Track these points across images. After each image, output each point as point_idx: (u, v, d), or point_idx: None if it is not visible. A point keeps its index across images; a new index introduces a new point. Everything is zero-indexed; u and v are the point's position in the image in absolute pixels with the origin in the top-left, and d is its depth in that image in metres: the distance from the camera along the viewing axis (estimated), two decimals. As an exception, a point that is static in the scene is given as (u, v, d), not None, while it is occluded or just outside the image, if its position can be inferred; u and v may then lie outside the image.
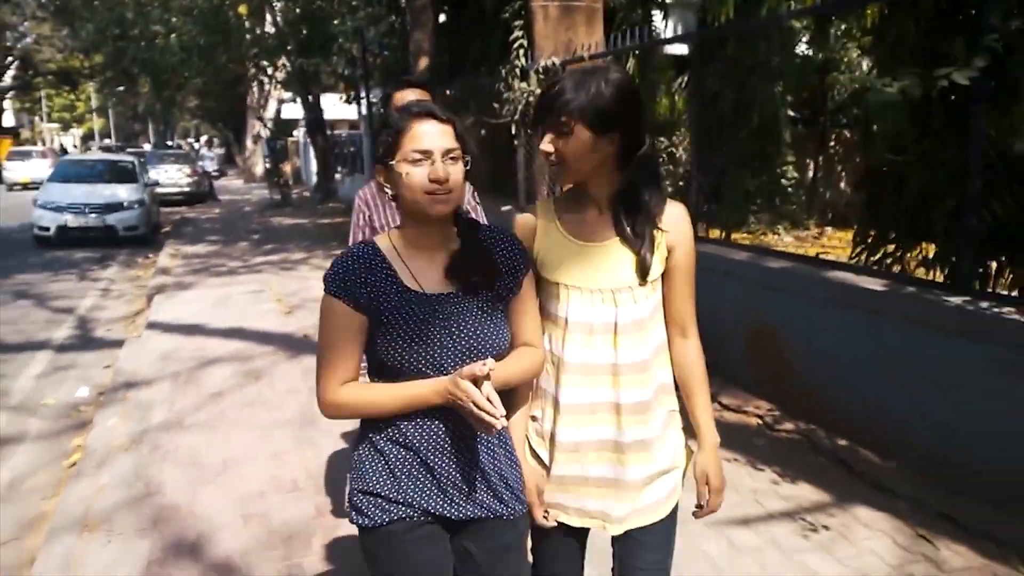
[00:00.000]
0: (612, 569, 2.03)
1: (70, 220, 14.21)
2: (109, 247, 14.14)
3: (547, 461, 1.95)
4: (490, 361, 1.64)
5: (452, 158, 1.73)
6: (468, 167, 1.79)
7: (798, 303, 4.72)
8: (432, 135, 1.72)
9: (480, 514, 1.82)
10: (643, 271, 1.85)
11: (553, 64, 7.49)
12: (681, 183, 8.08)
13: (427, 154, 1.71)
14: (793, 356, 4.78)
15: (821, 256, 5.96)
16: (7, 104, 48.64)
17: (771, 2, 5.71)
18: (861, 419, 4.32)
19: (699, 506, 2.00)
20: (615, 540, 1.98)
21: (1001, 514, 3.53)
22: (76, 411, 5.63)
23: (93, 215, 14.36)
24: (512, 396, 1.91)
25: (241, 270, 11.31)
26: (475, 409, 1.61)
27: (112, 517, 3.82)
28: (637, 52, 8.37)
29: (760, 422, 4.85)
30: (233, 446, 4.68)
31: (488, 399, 1.61)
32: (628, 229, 1.85)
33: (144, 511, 3.88)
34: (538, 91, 7.69)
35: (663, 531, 1.97)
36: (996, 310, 3.62)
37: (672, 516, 1.98)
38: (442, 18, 12.85)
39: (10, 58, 41.41)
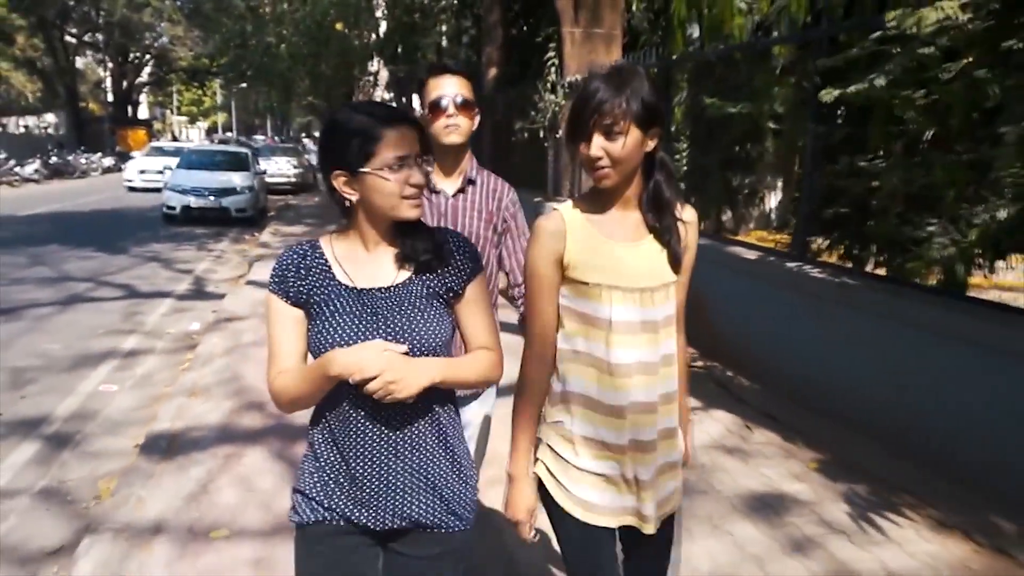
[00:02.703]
0: (621, 562, 2.03)
1: (192, 201, 16.62)
2: (223, 225, 16.51)
3: (583, 465, 1.91)
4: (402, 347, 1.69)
5: (425, 160, 1.77)
6: (431, 169, 1.87)
7: (713, 271, 6.21)
8: (411, 140, 1.73)
9: (405, 525, 1.81)
10: (675, 264, 1.89)
11: (576, 80, 9.07)
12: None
13: (404, 159, 1.71)
14: (710, 312, 6.27)
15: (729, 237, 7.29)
16: (143, 98, 53.18)
17: (729, 26, 6.99)
18: (743, 354, 5.81)
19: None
20: (627, 539, 1.98)
21: (805, 412, 5.00)
22: (189, 338, 7.59)
23: (211, 197, 16.71)
24: (519, 417, 1.94)
25: (328, 246, 13.37)
26: (361, 372, 1.61)
27: (210, 389, 5.70)
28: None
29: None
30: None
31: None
32: (659, 225, 1.88)
33: (230, 387, 5.74)
34: (563, 102, 9.30)
35: (674, 523, 2.01)
36: (808, 270, 5.09)
37: (678, 513, 2.03)
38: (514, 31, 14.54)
39: (148, 56, 45.42)
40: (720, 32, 6.82)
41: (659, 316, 1.89)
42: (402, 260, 1.82)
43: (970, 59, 3.68)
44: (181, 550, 3.48)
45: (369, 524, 1.80)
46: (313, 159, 34.91)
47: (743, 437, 4.83)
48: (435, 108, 2.47)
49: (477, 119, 2.56)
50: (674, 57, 7.31)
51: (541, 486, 1.97)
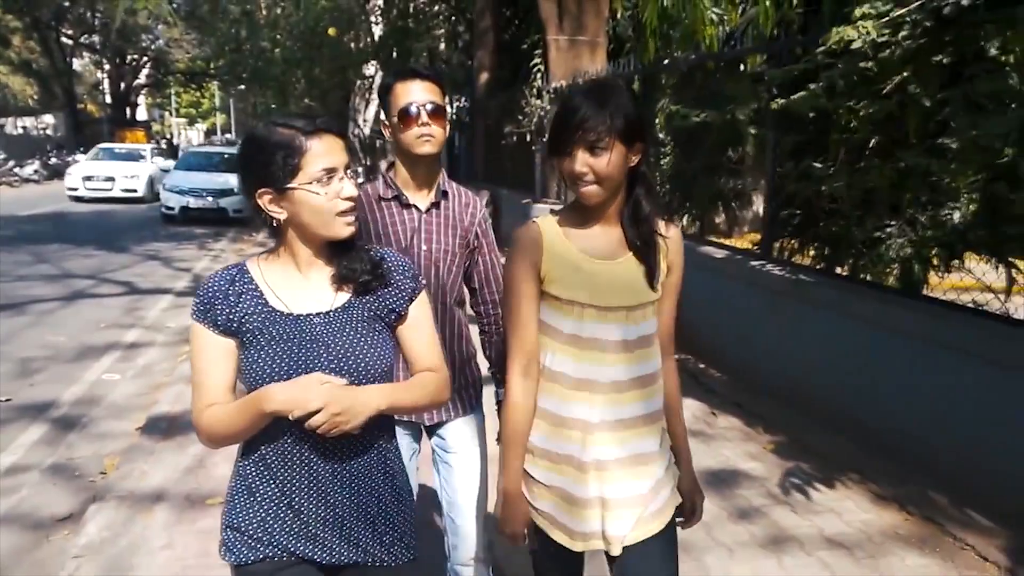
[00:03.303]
0: None
1: (191, 202, 16.98)
2: (221, 225, 16.83)
3: (549, 481, 1.88)
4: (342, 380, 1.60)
5: (354, 172, 1.71)
6: (360, 181, 1.78)
7: (687, 270, 6.54)
8: (338, 151, 1.66)
9: (354, 558, 1.73)
10: (652, 282, 1.86)
11: (562, 86, 9.42)
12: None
13: (332, 171, 1.63)
14: (683, 308, 6.60)
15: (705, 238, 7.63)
16: (141, 100, 53.48)
17: (701, 36, 7.30)
18: (713, 347, 6.15)
19: (682, 517, 2.03)
20: (613, 557, 1.89)
21: (768, 400, 5.35)
22: (187, 332, 7.91)
23: (209, 198, 17.06)
24: (507, 428, 1.89)
25: (323, 246, 13.77)
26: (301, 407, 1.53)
27: (207, 377, 6.02)
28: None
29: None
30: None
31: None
32: (638, 242, 1.85)
33: (226, 376, 6.07)
34: (548, 107, 9.65)
35: (664, 542, 1.91)
36: (769, 268, 5.43)
37: (671, 528, 1.94)
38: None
39: (145, 58, 45.72)
40: (692, 41, 7.16)
41: (634, 336, 1.86)
42: (339, 282, 1.73)
43: (905, 74, 4.02)
44: (180, 515, 3.81)
45: (316, 558, 1.71)
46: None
47: (708, 423, 5.16)
48: (405, 116, 2.28)
49: (448, 127, 2.39)
50: (666, 63, 7.62)
51: None
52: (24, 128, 45.38)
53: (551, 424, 1.88)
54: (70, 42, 41.15)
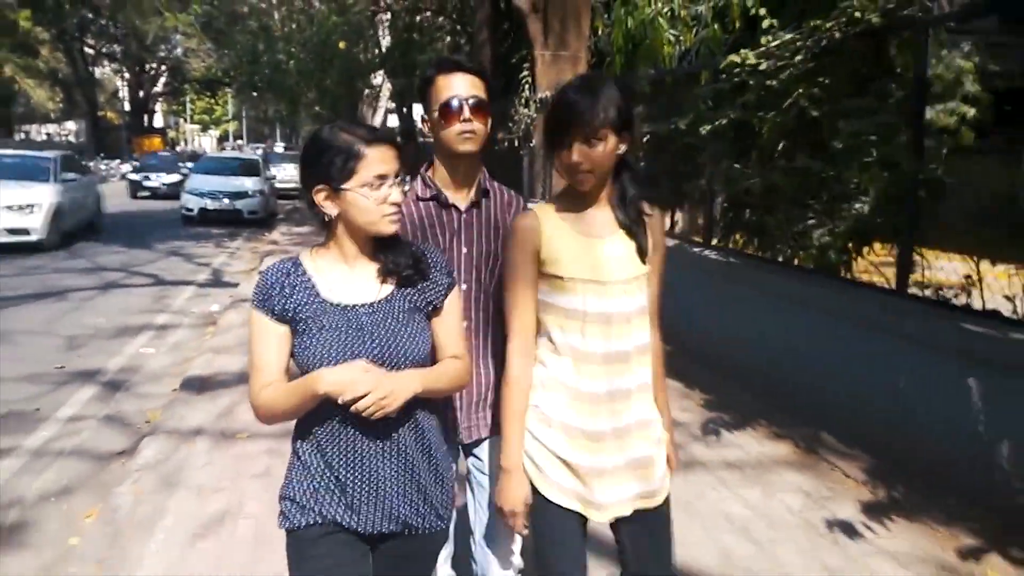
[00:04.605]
0: (621, 559, 2.07)
1: (209, 204, 18.11)
2: (236, 226, 17.96)
3: (556, 448, 1.97)
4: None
5: (403, 180, 1.82)
6: (407, 188, 1.90)
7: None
8: (391, 160, 1.79)
9: (392, 528, 1.87)
10: (642, 255, 1.99)
11: (546, 96, 10.35)
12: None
13: (384, 178, 1.77)
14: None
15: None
16: (158, 107, 54.73)
17: (660, 55, 8.25)
18: (683, 333, 7.07)
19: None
20: (618, 527, 2.02)
21: (707, 368, 6.28)
22: (211, 316, 8.90)
23: (226, 200, 18.16)
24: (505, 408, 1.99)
25: (332, 244, 14.84)
26: (350, 392, 1.66)
27: (231, 349, 7.00)
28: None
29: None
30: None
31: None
32: (627, 221, 1.98)
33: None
34: (535, 116, 10.59)
35: (664, 513, 2.04)
36: (708, 253, 6.38)
37: (667, 500, 2.06)
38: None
39: (163, 67, 46.95)
40: (652, 59, 8.07)
41: (631, 307, 1.97)
42: (384, 275, 1.87)
43: (800, 91, 4.97)
44: (216, 444, 4.78)
45: (359, 528, 1.86)
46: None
47: (680, 406, 6.10)
48: (446, 111, 2.17)
49: (490, 123, 2.26)
50: (660, 74, 8.55)
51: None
52: (48, 135, 46.77)
53: (568, 396, 1.98)
54: (92, 52, 42.40)
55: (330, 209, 1.81)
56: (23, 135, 43.79)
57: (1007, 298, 4.23)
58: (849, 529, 3.79)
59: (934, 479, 4.09)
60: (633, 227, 1.99)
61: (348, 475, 1.84)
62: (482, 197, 2.31)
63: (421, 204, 2.27)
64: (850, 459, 4.56)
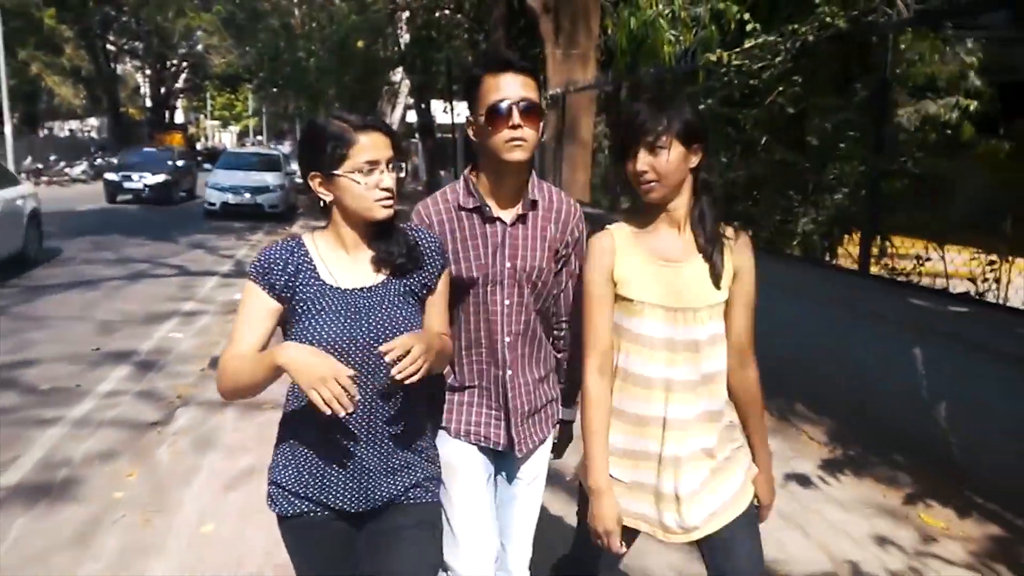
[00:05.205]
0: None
1: (230, 198, 18.66)
2: (257, 219, 18.51)
3: (630, 479, 2.00)
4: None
5: (397, 166, 1.85)
6: (403, 175, 1.90)
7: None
8: (383, 146, 1.83)
9: (379, 504, 1.92)
10: (717, 282, 1.93)
11: (558, 92, 10.76)
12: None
13: (375, 164, 1.81)
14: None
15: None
16: (179, 103, 55.52)
17: (661, 54, 8.65)
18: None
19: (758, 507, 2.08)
20: (702, 546, 2.00)
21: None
22: (234, 303, 9.33)
23: (247, 195, 18.69)
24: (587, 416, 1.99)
25: (350, 237, 15.39)
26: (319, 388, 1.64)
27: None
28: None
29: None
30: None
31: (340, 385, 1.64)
32: (704, 244, 1.93)
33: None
34: (546, 111, 10.99)
35: (746, 523, 1.99)
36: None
37: (751, 511, 2.02)
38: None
39: (184, 63, 47.64)
40: (654, 58, 8.46)
41: (702, 335, 1.93)
42: (378, 263, 1.92)
43: (780, 89, 5.36)
44: (243, 413, 5.25)
45: (346, 507, 1.91)
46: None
47: None
48: (494, 115, 1.98)
49: (543, 128, 2.06)
50: (660, 73, 8.94)
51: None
52: (71, 131, 47.66)
53: (629, 423, 1.99)
54: (114, 48, 43.12)
55: (324, 195, 1.87)
56: (46, 131, 44.73)
57: (971, 280, 4.66)
58: (805, 481, 4.23)
59: (886, 439, 4.53)
60: (708, 250, 1.93)
61: (332, 457, 1.89)
62: (530, 209, 2.12)
63: (463, 214, 2.11)
64: (816, 424, 4.98)
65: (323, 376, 1.65)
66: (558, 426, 2.37)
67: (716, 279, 1.93)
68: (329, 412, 1.64)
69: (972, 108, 5.83)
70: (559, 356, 2.32)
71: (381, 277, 1.92)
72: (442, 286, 2.01)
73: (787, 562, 3.45)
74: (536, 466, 2.28)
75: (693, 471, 1.95)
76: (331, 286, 1.88)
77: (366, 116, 1.88)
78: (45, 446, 4.85)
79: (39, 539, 3.71)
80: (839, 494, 4.11)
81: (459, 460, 2.17)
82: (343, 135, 1.81)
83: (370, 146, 1.82)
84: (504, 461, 2.27)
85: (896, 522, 3.84)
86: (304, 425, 1.90)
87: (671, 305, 1.92)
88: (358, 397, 1.70)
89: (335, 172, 1.82)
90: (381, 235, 1.92)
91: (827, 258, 6.15)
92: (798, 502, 4.01)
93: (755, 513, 2.05)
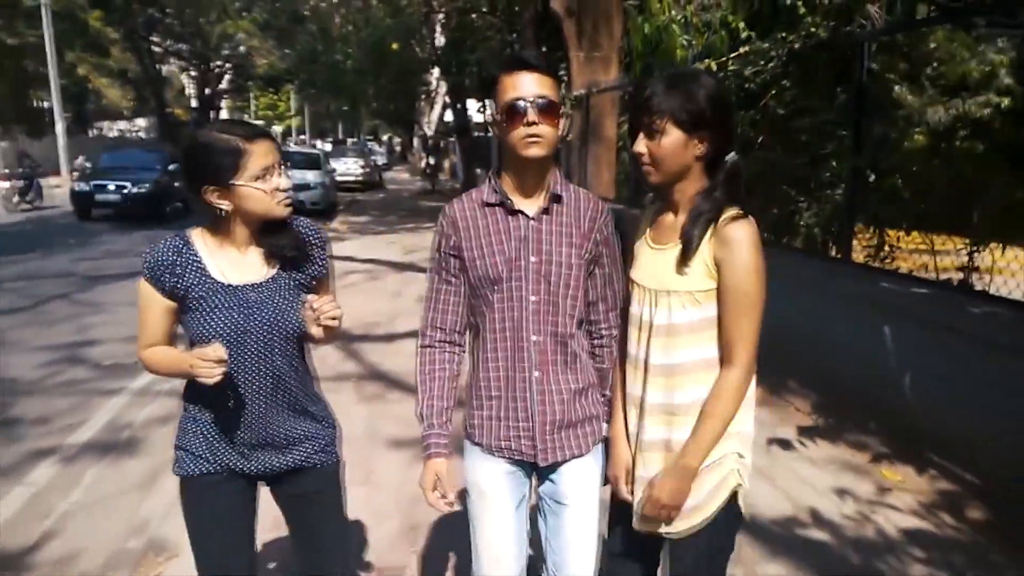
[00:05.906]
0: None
1: (272, 196, 19.14)
2: (299, 216, 19.07)
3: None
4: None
5: (284, 166, 2.00)
6: (289, 172, 2.03)
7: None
8: (271, 151, 1.94)
9: (283, 468, 2.10)
10: (681, 269, 1.85)
11: (581, 93, 11.21)
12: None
13: (269, 169, 1.92)
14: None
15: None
16: (223, 104, 56.63)
17: (675, 58, 9.07)
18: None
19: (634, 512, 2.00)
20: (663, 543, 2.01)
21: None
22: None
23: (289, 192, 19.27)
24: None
25: (384, 232, 16.29)
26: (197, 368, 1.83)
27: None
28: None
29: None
30: (354, 298, 8.95)
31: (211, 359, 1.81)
32: (688, 231, 1.84)
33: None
34: (570, 112, 11.44)
35: (703, 536, 1.93)
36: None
37: (713, 525, 1.92)
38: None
39: (228, 65, 48.64)
40: (667, 61, 8.86)
41: (661, 320, 1.88)
42: (269, 257, 2.02)
43: (773, 92, 5.83)
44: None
45: (249, 471, 2.07)
46: (378, 159, 37.66)
47: None
48: (511, 113, 2.01)
49: (563, 124, 2.10)
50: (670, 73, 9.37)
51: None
52: (120, 131, 49.07)
53: (630, 403, 2.05)
54: (160, 50, 44.18)
55: (223, 205, 1.94)
56: (96, 131, 46.03)
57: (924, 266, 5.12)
58: (785, 444, 4.72)
59: (862, 409, 4.98)
60: (688, 239, 1.84)
61: (235, 424, 2.04)
62: (553, 203, 2.12)
63: (487, 209, 2.14)
64: (803, 397, 5.45)
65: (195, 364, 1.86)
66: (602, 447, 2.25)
67: (681, 266, 1.86)
68: (212, 382, 1.84)
69: (1003, 105, 6.18)
70: (602, 368, 2.25)
71: (271, 272, 2.04)
72: (328, 277, 2.19)
73: (752, 507, 3.91)
74: (582, 489, 2.19)
75: (651, 460, 1.97)
76: (221, 283, 1.97)
77: (251, 125, 2.01)
78: (111, 411, 5.49)
79: (108, 484, 4.32)
80: (814, 454, 4.60)
81: (487, 483, 2.20)
82: (236, 146, 1.90)
83: (263, 153, 1.92)
84: (544, 481, 2.22)
85: (858, 477, 4.31)
86: (206, 402, 2.07)
87: (645, 285, 1.94)
88: (226, 357, 1.85)
89: (234, 183, 1.91)
90: (272, 230, 2.01)
91: (826, 250, 6.56)
92: (775, 461, 4.51)
93: (717, 529, 1.95)
